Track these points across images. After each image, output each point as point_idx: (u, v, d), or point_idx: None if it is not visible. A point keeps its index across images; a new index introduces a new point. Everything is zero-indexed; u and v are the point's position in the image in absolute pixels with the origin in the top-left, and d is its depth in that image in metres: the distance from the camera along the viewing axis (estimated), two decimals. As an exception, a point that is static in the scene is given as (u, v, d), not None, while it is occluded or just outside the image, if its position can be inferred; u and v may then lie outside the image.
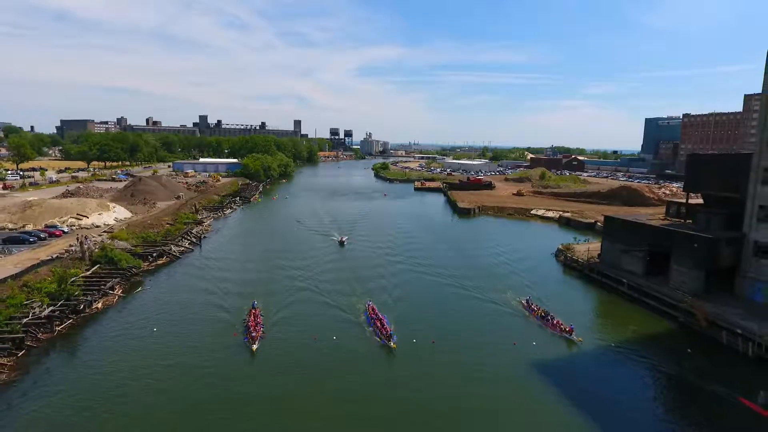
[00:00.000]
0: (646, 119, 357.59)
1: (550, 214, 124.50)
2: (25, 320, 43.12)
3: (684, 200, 67.87)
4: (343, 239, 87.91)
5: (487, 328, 49.70)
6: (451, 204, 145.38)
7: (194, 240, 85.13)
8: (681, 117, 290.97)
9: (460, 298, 58.94)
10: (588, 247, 75.88)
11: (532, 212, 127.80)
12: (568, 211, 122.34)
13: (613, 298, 60.56)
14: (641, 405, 35.93)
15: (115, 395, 34.75)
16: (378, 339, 44.79)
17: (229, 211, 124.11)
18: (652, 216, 70.70)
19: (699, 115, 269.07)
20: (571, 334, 46.59)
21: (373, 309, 51.06)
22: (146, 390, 35.53)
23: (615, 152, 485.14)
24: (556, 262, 77.42)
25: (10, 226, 79.31)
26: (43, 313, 44.97)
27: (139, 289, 59.19)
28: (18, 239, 68.59)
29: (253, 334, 43.96)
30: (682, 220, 63.68)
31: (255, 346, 42.32)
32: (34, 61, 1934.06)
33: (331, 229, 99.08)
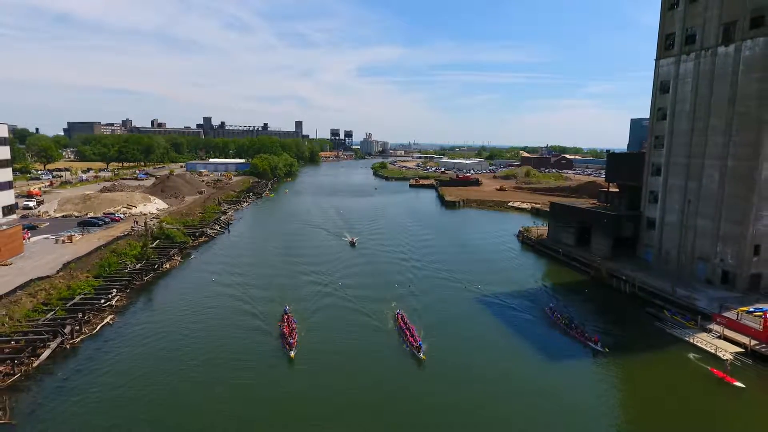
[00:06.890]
0: (631, 119, 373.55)
1: (524, 205, 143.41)
2: (126, 271, 62.24)
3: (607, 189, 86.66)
4: (354, 240, 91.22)
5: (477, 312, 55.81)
6: (440, 198, 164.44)
7: (223, 225, 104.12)
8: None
9: (445, 273, 73.49)
10: (538, 228, 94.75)
11: (509, 204, 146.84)
12: (539, 203, 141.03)
13: (552, 263, 79.56)
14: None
15: (183, 322, 51.77)
16: (407, 349, 44.61)
17: (245, 204, 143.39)
18: (584, 201, 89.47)
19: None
20: (597, 344, 45.27)
21: (402, 318, 50.44)
22: (201, 324, 51.00)
23: (608, 151, 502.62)
24: (516, 241, 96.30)
25: (76, 213, 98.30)
26: (136, 267, 64.05)
27: (192, 257, 78.39)
28: (90, 222, 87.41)
29: (290, 341, 44.13)
30: (606, 204, 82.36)
31: (293, 353, 42.70)
32: (36, 63, 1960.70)
33: (337, 223, 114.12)
